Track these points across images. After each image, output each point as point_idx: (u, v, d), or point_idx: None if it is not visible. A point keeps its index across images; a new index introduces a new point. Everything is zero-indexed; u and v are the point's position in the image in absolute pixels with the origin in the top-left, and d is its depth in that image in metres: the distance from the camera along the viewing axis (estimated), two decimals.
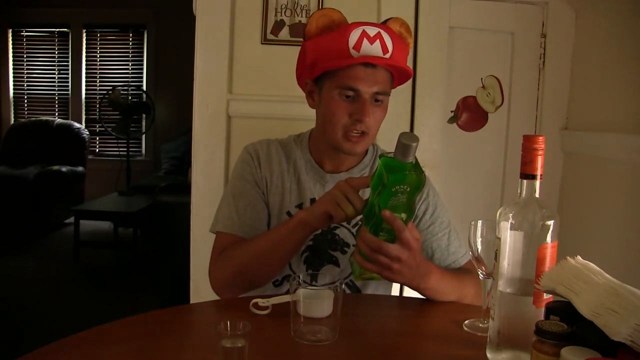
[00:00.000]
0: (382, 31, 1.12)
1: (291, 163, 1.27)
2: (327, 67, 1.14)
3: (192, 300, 1.82)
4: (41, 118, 5.64)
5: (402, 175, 0.93)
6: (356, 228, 1.22)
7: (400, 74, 1.19)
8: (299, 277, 0.96)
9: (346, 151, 1.19)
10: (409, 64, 1.88)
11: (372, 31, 1.11)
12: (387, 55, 1.12)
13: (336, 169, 1.26)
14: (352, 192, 1.02)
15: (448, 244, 1.25)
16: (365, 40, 1.11)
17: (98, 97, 5.60)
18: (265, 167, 1.26)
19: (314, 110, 1.24)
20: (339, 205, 1.02)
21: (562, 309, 0.76)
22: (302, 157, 1.28)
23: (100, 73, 5.83)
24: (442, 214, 1.27)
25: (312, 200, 1.23)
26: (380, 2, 1.87)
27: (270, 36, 1.87)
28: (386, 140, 1.68)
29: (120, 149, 5.23)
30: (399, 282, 1.08)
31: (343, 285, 0.96)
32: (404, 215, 0.97)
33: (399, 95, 1.88)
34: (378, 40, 1.11)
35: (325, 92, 1.16)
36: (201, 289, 1.77)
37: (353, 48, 1.11)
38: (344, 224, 1.22)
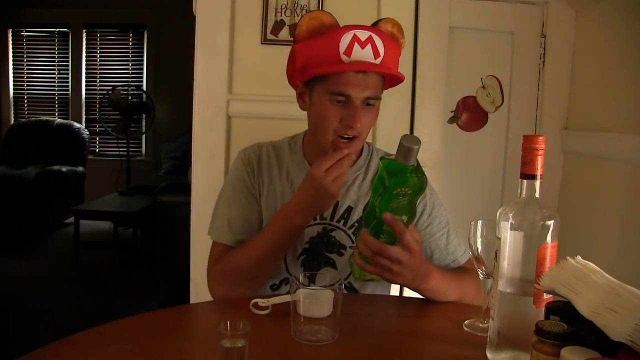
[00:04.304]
0: (373, 35, 1.11)
1: (284, 167, 1.27)
2: (317, 72, 1.12)
3: (192, 300, 1.82)
4: (41, 118, 5.65)
5: (403, 178, 0.93)
6: (352, 230, 1.22)
7: (392, 78, 1.18)
8: (299, 278, 0.96)
9: None
10: (409, 64, 1.90)
11: (363, 35, 1.10)
12: (378, 60, 1.11)
13: None
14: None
15: (447, 243, 1.25)
16: (356, 45, 1.09)
17: (98, 97, 5.61)
18: (257, 173, 1.26)
19: None
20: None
21: (562, 309, 0.76)
22: (295, 160, 1.27)
23: (100, 73, 5.83)
24: (440, 214, 1.26)
25: None
26: (380, 2, 1.87)
27: (270, 36, 1.87)
28: (386, 141, 1.68)
29: (120, 149, 5.23)
30: (398, 284, 1.08)
31: (342, 286, 0.96)
32: (404, 218, 0.97)
33: (399, 95, 1.88)
34: (369, 45, 1.10)
35: (316, 96, 1.15)
36: (201, 289, 1.76)
37: (344, 53, 1.09)
38: (340, 225, 1.22)
